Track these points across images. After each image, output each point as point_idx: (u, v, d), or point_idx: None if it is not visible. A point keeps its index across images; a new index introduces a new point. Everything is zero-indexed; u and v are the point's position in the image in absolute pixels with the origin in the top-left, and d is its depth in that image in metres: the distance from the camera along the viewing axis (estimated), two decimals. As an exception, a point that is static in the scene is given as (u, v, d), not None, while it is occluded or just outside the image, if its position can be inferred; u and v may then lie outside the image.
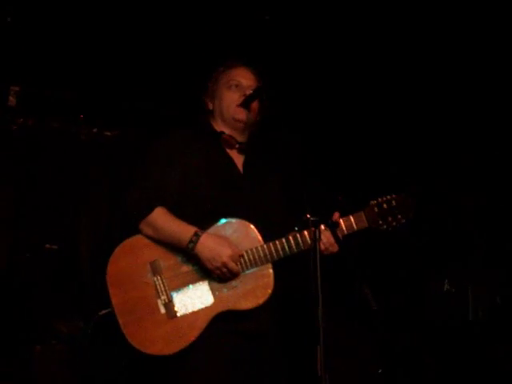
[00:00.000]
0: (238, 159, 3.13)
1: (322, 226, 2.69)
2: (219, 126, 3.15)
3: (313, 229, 2.57)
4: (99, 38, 4.82)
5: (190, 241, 2.82)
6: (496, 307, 4.87)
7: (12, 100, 4.98)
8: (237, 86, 3.12)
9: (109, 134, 5.64)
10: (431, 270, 5.17)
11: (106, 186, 5.59)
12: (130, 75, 5.15)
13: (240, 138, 3.13)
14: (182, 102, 4.11)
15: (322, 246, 2.75)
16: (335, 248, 2.93)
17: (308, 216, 2.60)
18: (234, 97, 3.10)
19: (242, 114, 3.07)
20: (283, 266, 2.95)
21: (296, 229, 2.92)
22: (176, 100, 5.08)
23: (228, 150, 3.12)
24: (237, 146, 3.12)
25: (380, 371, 4.79)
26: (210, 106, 3.19)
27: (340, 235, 2.87)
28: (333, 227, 2.80)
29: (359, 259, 4.89)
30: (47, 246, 5.24)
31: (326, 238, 2.85)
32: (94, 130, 5.61)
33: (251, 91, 3.06)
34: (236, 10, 4.62)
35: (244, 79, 3.14)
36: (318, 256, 2.52)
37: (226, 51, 4.58)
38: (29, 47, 4.78)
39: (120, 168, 5.57)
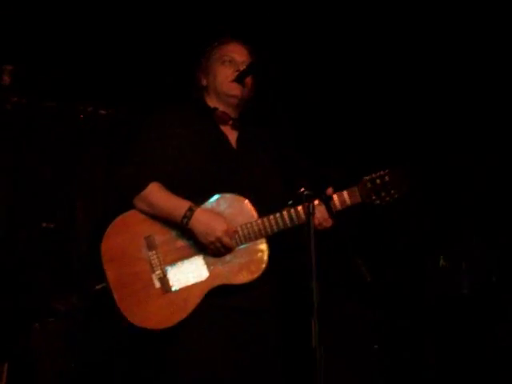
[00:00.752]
0: (232, 135, 3.13)
1: (316, 201, 2.71)
2: (213, 102, 3.15)
3: (307, 203, 2.59)
4: (92, 15, 4.81)
5: (184, 216, 2.84)
6: (491, 284, 4.89)
7: (6, 79, 4.96)
8: (230, 61, 3.13)
9: (104, 112, 5.63)
10: (427, 246, 5.19)
11: (102, 164, 5.59)
12: (124, 52, 5.14)
13: (233, 114, 3.14)
14: (176, 78, 4.09)
15: (316, 221, 2.76)
16: (329, 223, 2.95)
17: (302, 190, 2.62)
18: (227, 72, 3.10)
19: (235, 90, 3.08)
20: (278, 241, 2.97)
21: (290, 203, 2.93)
22: (170, 76, 5.06)
23: (221, 126, 3.13)
24: (230, 121, 3.13)
25: (376, 347, 4.82)
26: (204, 82, 3.19)
27: (334, 210, 2.89)
28: (326, 201, 2.83)
29: (353, 233, 4.94)
30: (44, 224, 5.25)
31: (320, 212, 2.86)
32: (89, 108, 5.60)
33: (245, 67, 3.06)
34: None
35: (237, 55, 3.14)
36: (312, 230, 2.54)
37: (220, 26, 4.57)
38: (22, 26, 4.76)
39: (116, 146, 5.57)
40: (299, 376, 3.76)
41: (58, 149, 5.50)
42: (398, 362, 4.93)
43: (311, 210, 2.58)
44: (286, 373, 3.11)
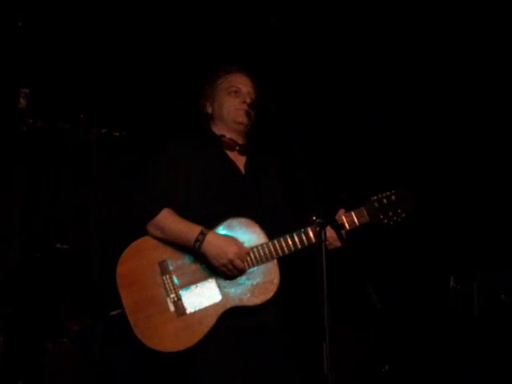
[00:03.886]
0: (239, 161, 3.21)
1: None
2: (219, 129, 3.24)
3: (319, 230, 2.63)
4: (108, 40, 4.88)
5: (197, 240, 2.90)
6: (501, 305, 4.89)
7: (22, 102, 5.05)
8: (236, 92, 3.22)
9: (117, 134, 5.71)
10: (437, 267, 5.21)
11: (115, 185, 5.65)
12: (137, 77, 5.22)
13: (240, 140, 3.23)
14: (186, 105, 4.17)
15: (326, 242, 2.80)
16: (339, 243, 3.00)
17: (314, 218, 2.66)
18: (234, 102, 3.20)
19: (242, 117, 3.18)
20: (289, 263, 3.02)
21: (302, 230, 2.98)
22: (181, 102, 5.14)
23: (229, 153, 3.21)
24: (237, 148, 3.21)
25: (386, 368, 4.83)
26: (209, 110, 3.28)
27: (343, 231, 2.95)
28: (338, 229, 2.88)
29: (364, 258, 4.97)
30: (58, 245, 5.31)
31: (330, 233, 2.89)
32: (103, 130, 5.68)
33: (251, 98, 3.18)
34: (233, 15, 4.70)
35: (243, 86, 3.24)
36: (325, 257, 2.58)
37: (223, 56, 4.66)
38: (38, 50, 4.84)
39: (129, 167, 5.64)
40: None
41: (72, 170, 5.57)
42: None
43: (323, 237, 2.63)
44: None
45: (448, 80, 5.16)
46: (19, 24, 4.54)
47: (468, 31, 4.80)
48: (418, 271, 5.28)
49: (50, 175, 5.47)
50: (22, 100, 5.10)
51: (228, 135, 3.20)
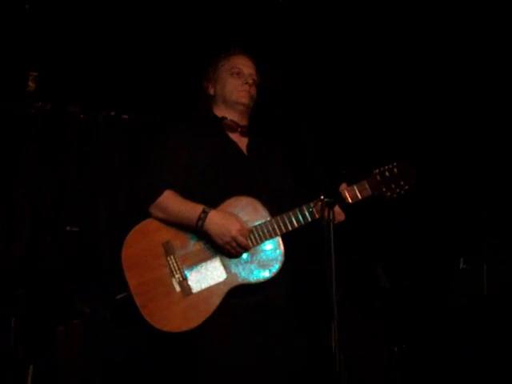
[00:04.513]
0: (241, 142, 3.22)
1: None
2: (221, 111, 3.24)
3: (327, 209, 2.64)
4: (115, 23, 4.88)
5: (199, 218, 2.91)
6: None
7: (31, 85, 5.06)
8: (238, 73, 3.23)
9: (126, 117, 5.72)
10: (446, 248, 5.19)
11: (124, 167, 5.67)
12: (146, 59, 5.22)
13: (242, 122, 3.23)
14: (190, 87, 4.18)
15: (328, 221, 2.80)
16: (342, 216, 3.02)
17: (322, 197, 2.68)
18: (237, 83, 3.21)
19: (244, 98, 3.19)
20: (293, 240, 3.03)
21: (311, 205, 2.97)
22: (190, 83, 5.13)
23: (230, 134, 3.21)
24: (239, 129, 3.22)
25: (396, 349, 4.83)
26: (212, 92, 3.28)
27: (345, 204, 2.97)
28: (344, 205, 2.91)
29: (371, 239, 4.97)
30: (68, 228, 5.34)
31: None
32: (112, 113, 5.69)
33: (253, 79, 3.20)
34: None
35: (245, 67, 3.25)
36: (332, 236, 2.59)
37: (227, 37, 4.65)
38: (46, 33, 4.85)
39: (138, 150, 5.66)
40: (318, 378, 3.79)
41: (81, 153, 5.59)
42: (418, 364, 4.93)
43: (331, 217, 2.62)
44: (305, 371, 3.15)
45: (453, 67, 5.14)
46: (26, 6, 4.54)
47: (468, 31, 4.78)
48: (428, 252, 5.27)
49: (59, 158, 5.49)
50: (30, 83, 5.12)
51: (230, 117, 3.21)
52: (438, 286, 5.12)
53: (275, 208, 3.01)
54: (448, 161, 5.24)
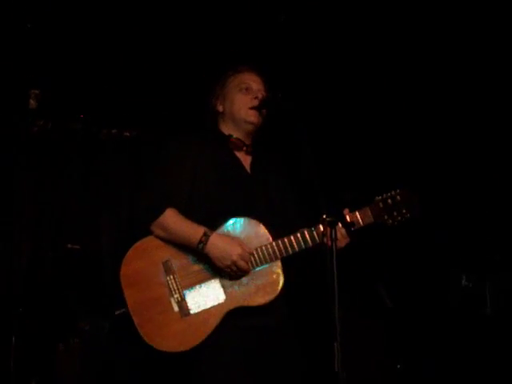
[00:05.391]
0: (246, 161, 3.21)
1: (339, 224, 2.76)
2: (228, 129, 3.22)
3: (329, 229, 2.62)
4: (117, 40, 4.89)
5: (200, 241, 2.90)
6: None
7: (32, 103, 5.06)
8: (247, 89, 3.20)
9: (128, 134, 5.72)
10: (449, 266, 5.17)
11: (126, 185, 5.67)
12: (148, 77, 5.23)
13: (247, 141, 3.22)
14: (194, 103, 4.18)
15: (330, 242, 2.79)
16: (343, 243, 2.98)
17: (324, 216, 2.66)
18: (245, 99, 3.18)
19: (254, 117, 3.16)
20: (293, 263, 3.01)
21: (312, 229, 2.97)
22: (190, 101, 5.14)
23: (236, 152, 3.20)
24: (244, 148, 3.20)
25: (398, 367, 4.81)
26: (220, 108, 3.26)
27: (347, 231, 2.95)
28: (348, 227, 2.88)
29: (374, 258, 4.95)
30: (69, 245, 5.33)
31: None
32: (114, 130, 5.70)
33: (262, 95, 3.16)
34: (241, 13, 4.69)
35: (254, 83, 3.23)
36: (335, 255, 2.57)
37: (234, 55, 4.66)
38: (48, 51, 4.86)
39: (140, 168, 5.66)
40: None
41: (83, 171, 5.60)
42: (420, 381, 4.91)
43: (334, 236, 2.61)
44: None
45: (451, 80, 5.13)
46: (28, 25, 4.56)
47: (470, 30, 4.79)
48: (430, 269, 5.25)
49: (61, 176, 5.49)
50: (32, 101, 5.11)
51: (236, 135, 3.19)
52: (439, 304, 5.10)
53: (277, 227, 3.00)
54: (450, 176, 5.23)
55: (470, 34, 4.76)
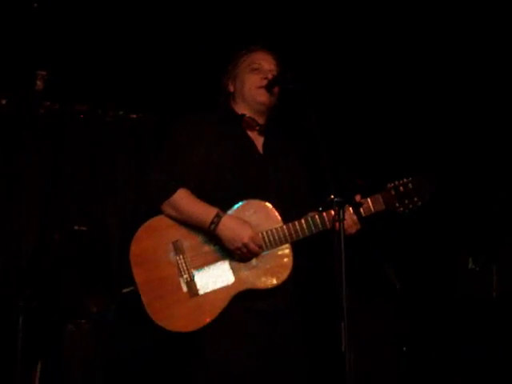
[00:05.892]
0: (258, 141, 3.18)
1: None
2: (240, 108, 3.19)
3: (337, 209, 2.62)
4: (125, 21, 4.87)
5: (212, 222, 2.89)
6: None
7: (39, 84, 5.06)
8: (258, 69, 3.17)
9: (134, 116, 5.72)
10: (455, 248, 5.18)
11: (132, 167, 5.67)
12: (154, 58, 5.21)
13: (260, 120, 3.18)
14: (205, 85, 4.16)
15: (338, 223, 2.78)
16: (353, 229, 2.98)
17: (332, 197, 2.65)
18: (255, 79, 3.15)
19: (263, 96, 3.12)
20: (303, 246, 3.00)
21: (320, 209, 2.96)
22: (199, 82, 5.12)
23: (248, 132, 3.17)
24: (257, 127, 3.17)
25: (404, 348, 4.82)
26: (231, 88, 3.23)
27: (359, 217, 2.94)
28: (356, 207, 2.88)
29: (382, 239, 4.95)
30: (76, 227, 5.34)
31: (345, 219, 2.87)
32: (120, 112, 5.69)
33: (273, 75, 3.12)
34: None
35: (265, 62, 3.19)
36: (343, 236, 2.57)
37: (246, 35, 4.62)
38: (55, 32, 4.84)
39: (146, 150, 5.65)
40: (327, 378, 3.78)
41: (89, 152, 5.60)
42: (425, 364, 4.92)
43: (342, 217, 2.61)
44: (313, 375, 3.14)
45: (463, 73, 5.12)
46: (35, 5, 4.54)
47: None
48: (437, 252, 5.25)
49: (67, 157, 5.49)
50: (38, 82, 5.11)
51: (248, 114, 3.16)
52: (446, 287, 5.10)
53: (287, 209, 3.00)
54: (458, 160, 5.22)
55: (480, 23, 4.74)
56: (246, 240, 2.87)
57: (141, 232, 2.98)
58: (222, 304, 2.88)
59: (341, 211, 2.62)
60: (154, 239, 2.97)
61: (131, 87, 5.40)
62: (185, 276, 2.91)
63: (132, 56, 5.18)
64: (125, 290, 4.30)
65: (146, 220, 3.01)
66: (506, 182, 5.16)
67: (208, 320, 2.87)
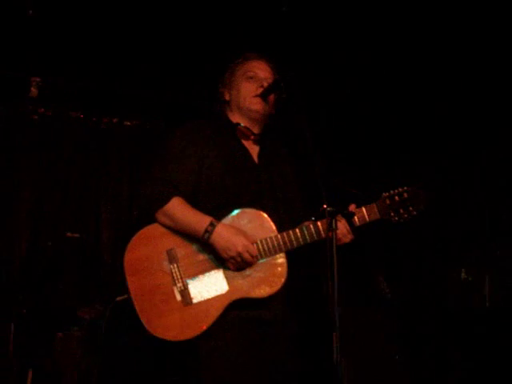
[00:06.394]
0: (253, 150, 3.17)
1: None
2: (235, 117, 3.19)
3: (330, 219, 2.62)
4: (119, 28, 4.87)
5: (206, 231, 2.88)
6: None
7: (33, 91, 5.06)
8: (253, 77, 3.16)
9: (129, 123, 5.72)
10: (449, 259, 5.19)
11: (126, 174, 5.67)
12: (149, 66, 5.21)
13: (255, 130, 3.17)
14: (200, 93, 4.17)
15: (331, 232, 2.78)
16: (348, 239, 2.98)
17: (325, 206, 2.65)
18: (251, 88, 3.14)
19: (258, 105, 3.12)
20: (297, 255, 3.00)
21: (313, 219, 2.96)
22: (194, 90, 5.13)
23: (243, 141, 3.16)
24: (252, 137, 3.17)
25: (397, 357, 4.82)
26: (227, 97, 3.23)
27: (353, 227, 2.93)
28: (349, 217, 2.86)
29: (374, 249, 4.96)
30: (68, 234, 5.33)
31: (339, 228, 2.88)
32: (114, 119, 5.69)
33: (268, 83, 3.11)
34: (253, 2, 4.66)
35: (260, 71, 3.18)
36: (335, 245, 2.57)
37: (243, 44, 4.63)
38: (49, 39, 4.85)
39: (140, 157, 5.66)
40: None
41: (83, 159, 5.59)
42: (419, 373, 4.92)
43: (334, 226, 2.61)
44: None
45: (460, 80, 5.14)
46: (30, 12, 4.54)
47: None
48: (430, 263, 5.26)
49: (60, 164, 5.49)
50: (33, 89, 5.12)
51: (243, 123, 3.16)
52: (439, 297, 5.11)
53: (282, 219, 3.00)
54: (451, 171, 5.23)
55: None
56: (240, 249, 2.86)
57: (135, 240, 2.96)
58: (215, 313, 2.87)
59: (333, 221, 2.62)
60: (148, 248, 2.95)
61: (125, 94, 5.41)
62: (179, 285, 2.90)
63: (126, 63, 5.19)
64: (119, 298, 4.29)
65: (140, 228, 3.00)
66: (497, 193, 5.18)
67: (201, 329, 2.85)
